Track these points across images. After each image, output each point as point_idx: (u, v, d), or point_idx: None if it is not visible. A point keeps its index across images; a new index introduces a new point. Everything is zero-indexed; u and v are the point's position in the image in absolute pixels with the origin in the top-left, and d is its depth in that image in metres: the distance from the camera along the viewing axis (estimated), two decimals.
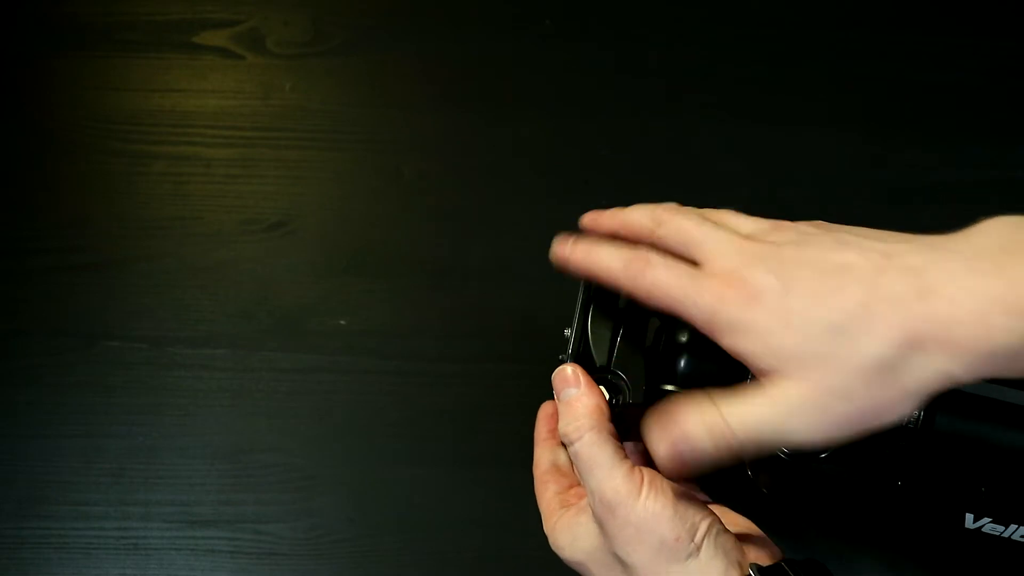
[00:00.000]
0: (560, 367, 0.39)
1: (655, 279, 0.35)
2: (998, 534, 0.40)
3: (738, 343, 0.33)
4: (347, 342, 0.55)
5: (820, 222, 0.36)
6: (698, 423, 0.33)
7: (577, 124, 0.61)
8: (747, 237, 0.35)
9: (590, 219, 0.40)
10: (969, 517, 0.40)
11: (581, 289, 0.41)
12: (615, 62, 0.63)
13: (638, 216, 0.38)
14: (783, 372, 0.32)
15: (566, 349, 0.40)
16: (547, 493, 0.41)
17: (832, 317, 0.31)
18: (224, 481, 0.52)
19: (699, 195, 0.59)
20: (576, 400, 0.37)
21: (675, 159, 0.60)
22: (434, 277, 0.57)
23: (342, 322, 0.56)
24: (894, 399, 0.32)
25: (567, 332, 0.40)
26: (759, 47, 0.63)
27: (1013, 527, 0.40)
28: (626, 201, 0.58)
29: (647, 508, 0.34)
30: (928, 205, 0.58)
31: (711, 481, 0.43)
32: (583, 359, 0.40)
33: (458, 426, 0.53)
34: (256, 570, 0.50)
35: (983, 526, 0.40)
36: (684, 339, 0.38)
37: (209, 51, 0.63)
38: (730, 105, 0.61)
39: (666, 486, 0.35)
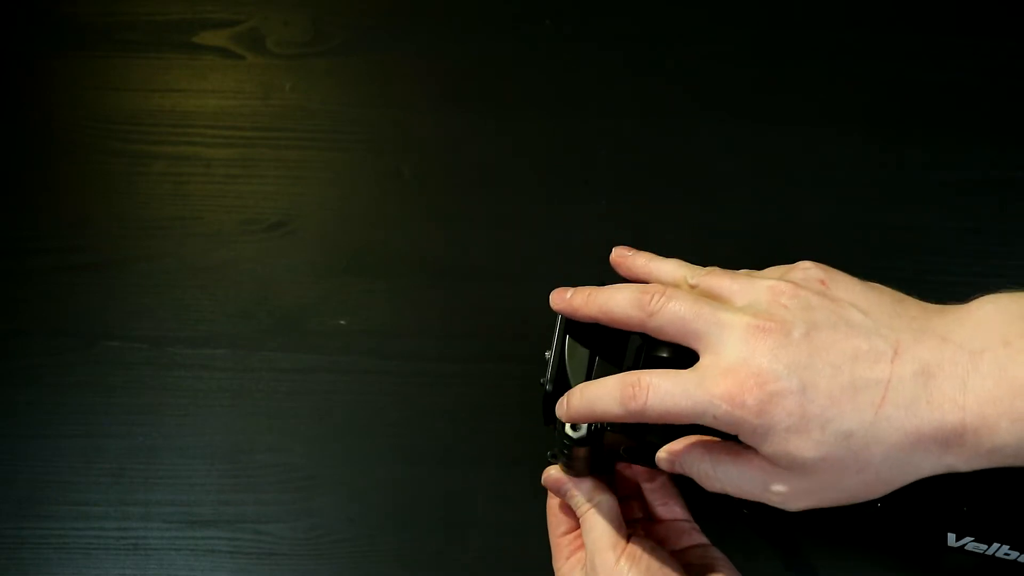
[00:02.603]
0: (545, 472, 0.44)
1: (658, 398, 0.35)
2: (981, 552, 0.40)
3: (756, 444, 0.34)
4: (347, 342, 0.55)
5: (814, 276, 0.36)
6: (692, 468, 0.38)
7: (577, 124, 0.61)
8: (753, 315, 0.34)
9: (581, 300, 0.40)
10: (951, 536, 0.40)
11: (559, 316, 0.42)
12: (616, 62, 0.63)
13: (624, 307, 0.37)
14: (791, 470, 0.34)
15: (545, 372, 0.41)
16: (558, 530, 0.45)
17: (847, 426, 0.32)
18: (224, 481, 0.52)
19: (699, 195, 0.59)
20: (572, 493, 0.43)
21: (675, 159, 0.60)
22: (434, 277, 0.57)
23: (342, 322, 0.56)
24: (888, 486, 0.34)
25: (547, 354, 0.41)
26: (759, 47, 0.63)
27: (996, 545, 0.39)
28: (626, 200, 0.59)
29: (619, 571, 0.40)
30: (928, 205, 0.58)
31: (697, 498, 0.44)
32: (560, 383, 0.41)
33: (458, 426, 0.53)
34: (256, 570, 0.50)
35: (966, 544, 0.40)
36: (665, 355, 0.38)
37: (209, 51, 0.64)
38: (730, 105, 0.61)
39: (642, 566, 0.40)
